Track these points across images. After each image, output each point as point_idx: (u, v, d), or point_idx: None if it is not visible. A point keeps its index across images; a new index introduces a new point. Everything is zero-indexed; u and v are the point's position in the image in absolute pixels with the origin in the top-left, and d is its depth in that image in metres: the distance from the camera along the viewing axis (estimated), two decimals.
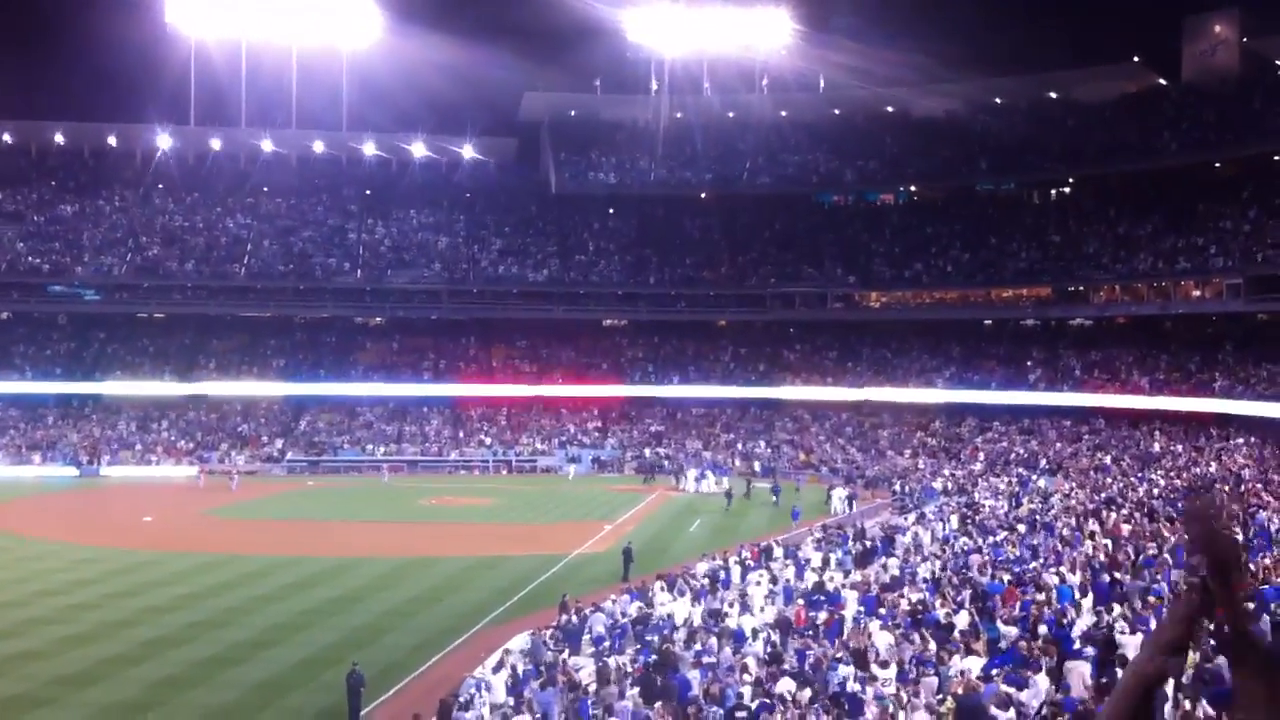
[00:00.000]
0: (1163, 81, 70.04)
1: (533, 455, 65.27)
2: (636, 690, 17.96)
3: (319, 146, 79.94)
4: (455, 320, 73.58)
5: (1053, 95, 72.98)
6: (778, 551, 31.39)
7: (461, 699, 18.48)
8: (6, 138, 77.19)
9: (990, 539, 29.63)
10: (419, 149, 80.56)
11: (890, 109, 78.70)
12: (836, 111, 79.39)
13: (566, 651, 21.31)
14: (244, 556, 36.08)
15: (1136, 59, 69.29)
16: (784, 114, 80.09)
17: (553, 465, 63.72)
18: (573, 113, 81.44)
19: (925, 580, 24.82)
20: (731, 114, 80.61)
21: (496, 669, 20.35)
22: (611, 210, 79.52)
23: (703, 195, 79.39)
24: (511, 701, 18.48)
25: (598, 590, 28.47)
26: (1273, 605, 17.31)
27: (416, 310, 73.38)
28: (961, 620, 20.09)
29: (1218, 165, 63.82)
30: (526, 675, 19.82)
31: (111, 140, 78.84)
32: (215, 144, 79.08)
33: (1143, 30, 70.77)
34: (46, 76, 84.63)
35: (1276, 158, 62.09)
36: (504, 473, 63.06)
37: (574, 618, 23.61)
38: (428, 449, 65.79)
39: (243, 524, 45.32)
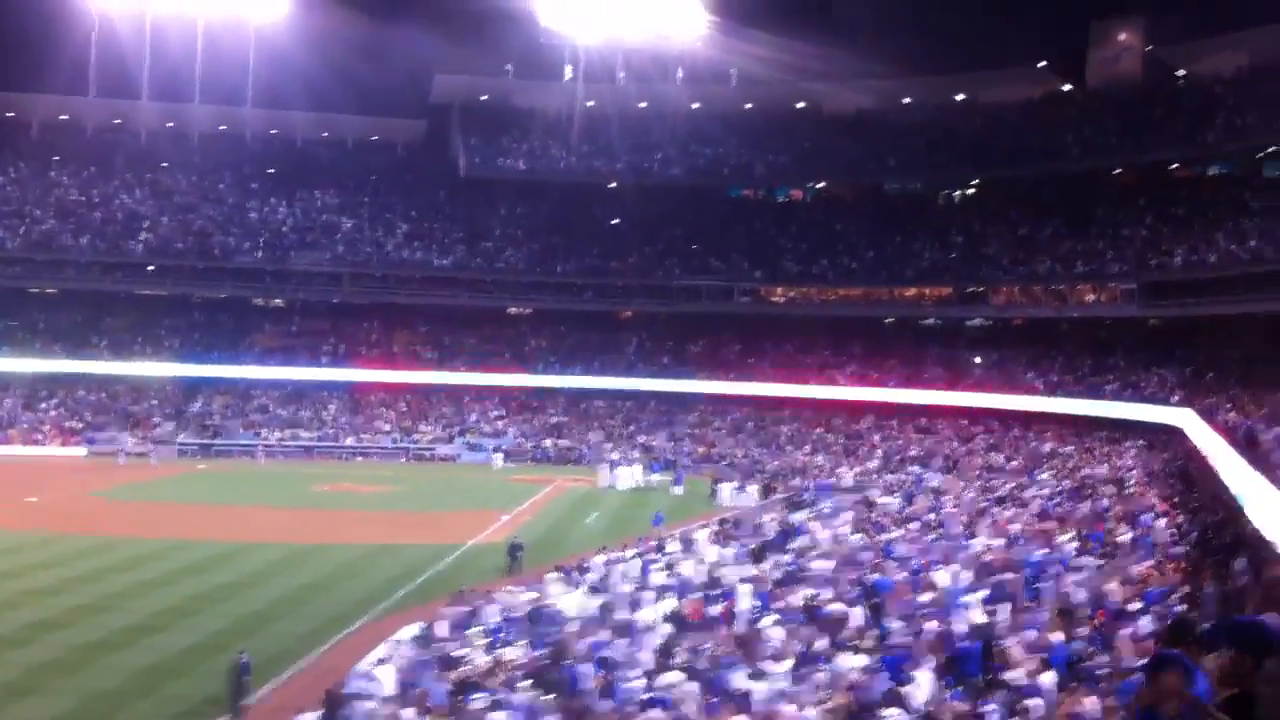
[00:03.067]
0: (1068, 87, 71.55)
1: (432, 443, 64.52)
2: (529, 683, 17.82)
3: (223, 123, 78.16)
4: (357, 304, 72.43)
5: (961, 97, 74.18)
6: (674, 545, 31.44)
7: (349, 690, 18.18)
8: None
9: (884, 536, 30.06)
10: (326, 128, 79.13)
11: (802, 105, 79.19)
12: (749, 105, 79.74)
13: (459, 643, 21.08)
14: (133, 539, 35.13)
15: (1044, 64, 70.70)
16: (697, 106, 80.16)
17: (451, 453, 63.14)
18: (484, 97, 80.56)
19: (819, 576, 25.06)
20: (644, 104, 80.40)
21: (386, 660, 20.08)
22: (521, 197, 78.56)
23: (613, 185, 79.17)
24: (400, 693, 18.21)
25: (493, 581, 28.26)
26: (1154, 607, 17.81)
27: (318, 293, 71.97)
28: (853, 617, 20.32)
29: (1118, 172, 65.44)
30: (417, 666, 19.56)
31: (9, 112, 76.23)
32: (116, 117, 76.92)
33: (1050, 36, 72.02)
34: None
35: (1173, 167, 64.08)
36: (403, 460, 62.24)
37: (468, 608, 23.39)
38: (325, 434, 64.78)
39: (132, 506, 44.21)
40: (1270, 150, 58.30)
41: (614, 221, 77.71)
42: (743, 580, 24.89)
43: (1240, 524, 20.69)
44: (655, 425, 66.73)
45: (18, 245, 68.21)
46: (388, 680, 18.73)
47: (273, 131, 79.44)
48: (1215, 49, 62.37)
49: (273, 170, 79.23)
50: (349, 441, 64.00)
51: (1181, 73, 64.93)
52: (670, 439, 64.66)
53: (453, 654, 20.02)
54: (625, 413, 68.66)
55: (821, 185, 79.54)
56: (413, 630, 22.77)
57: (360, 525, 40.72)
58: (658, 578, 26.34)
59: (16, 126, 76.70)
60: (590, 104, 79.92)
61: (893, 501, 38.54)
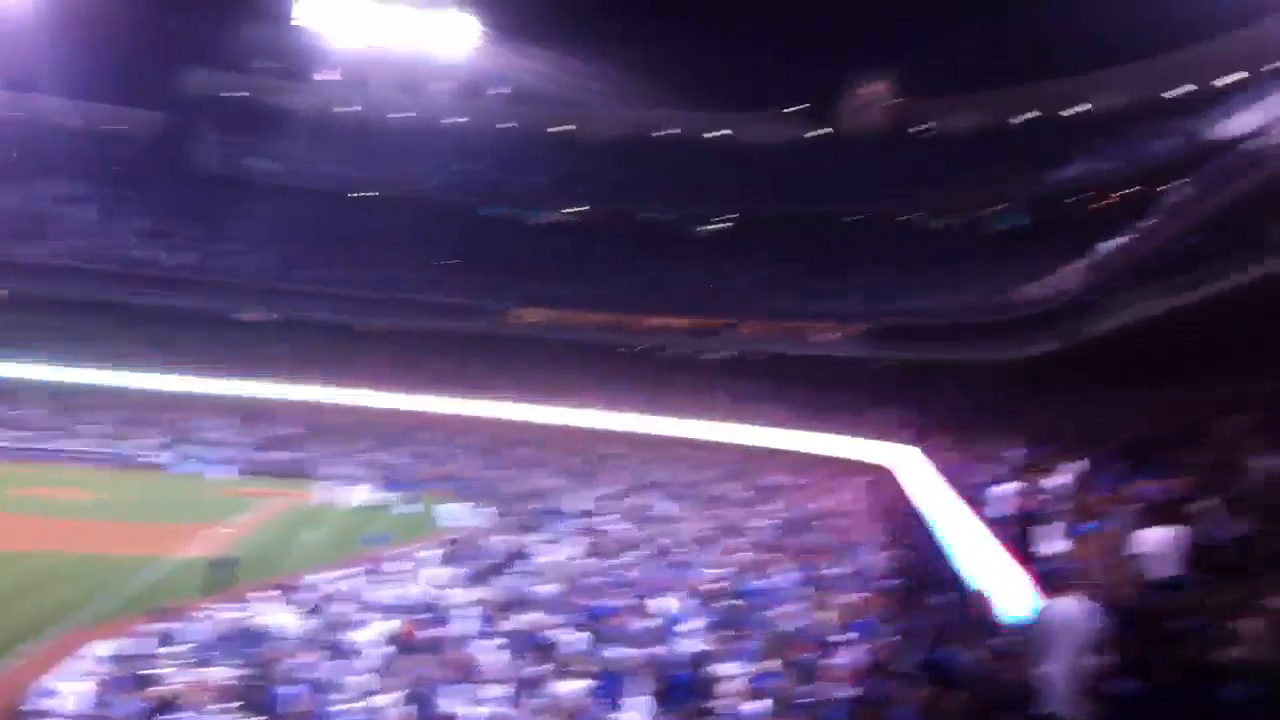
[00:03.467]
0: (824, 131, 74.96)
1: (145, 449, 60.73)
2: (234, 704, 16.87)
3: None
4: (83, 301, 67.84)
5: (726, 132, 76.46)
6: (397, 565, 30.67)
7: (29, 707, 16.79)
8: None
9: (610, 561, 30.20)
10: (60, 114, 74.29)
11: (566, 127, 79.77)
12: (511, 124, 79.66)
13: (157, 661, 19.77)
14: None
15: (804, 107, 73.93)
16: (460, 120, 79.49)
17: (167, 461, 59.72)
18: (235, 93, 77.55)
19: (543, 600, 24.91)
20: (405, 114, 79.26)
21: (78, 677, 18.62)
22: (267, 200, 75.52)
23: (364, 194, 77.47)
24: (90, 713, 16.91)
25: (199, 597, 26.69)
26: (862, 640, 18.44)
27: (38, 286, 67.07)
28: (575, 641, 20.22)
29: (860, 217, 68.97)
30: (110, 684, 18.22)
31: None
32: None
33: (809, 82, 75.38)
34: None
35: (902, 217, 68.21)
36: (112, 467, 58.28)
37: (169, 625, 22.01)
38: (26, 436, 60.01)
39: None
40: (1001, 206, 63.21)
41: (363, 232, 75.75)
42: (465, 603, 24.46)
43: (944, 562, 21.74)
44: (389, 442, 65.00)
45: None
46: (75, 699, 17.37)
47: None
48: (950, 107, 67.20)
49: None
50: (56, 445, 59.51)
51: (925, 126, 69.35)
52: (406, 457, 63.25)
53: (149, 673, 18.73)
54: (358, 428, 66.61)
55: (578, 209, 80.00)
56: (107, 647, 21.22)
57: (56, 533, 37.85)
58: (378, 597, 25.60)
59: None
60: (346, 109, 78.10)
61: (624, 527, 38.84)
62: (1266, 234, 26.95)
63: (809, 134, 75.99)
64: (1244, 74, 52.76)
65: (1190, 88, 57.86)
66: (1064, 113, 67.01)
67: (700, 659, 18.29)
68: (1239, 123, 40.55)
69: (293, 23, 73.82)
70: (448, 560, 31.55)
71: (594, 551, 32.48)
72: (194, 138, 77.69)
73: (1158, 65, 60.60)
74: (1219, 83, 55.59)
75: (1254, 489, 14.54)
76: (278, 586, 26.17)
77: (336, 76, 78.65)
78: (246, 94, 78.92)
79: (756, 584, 24.68)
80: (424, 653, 19.97)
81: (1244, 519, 13.39)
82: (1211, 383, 26.04)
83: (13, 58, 70.05)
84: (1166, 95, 59.79)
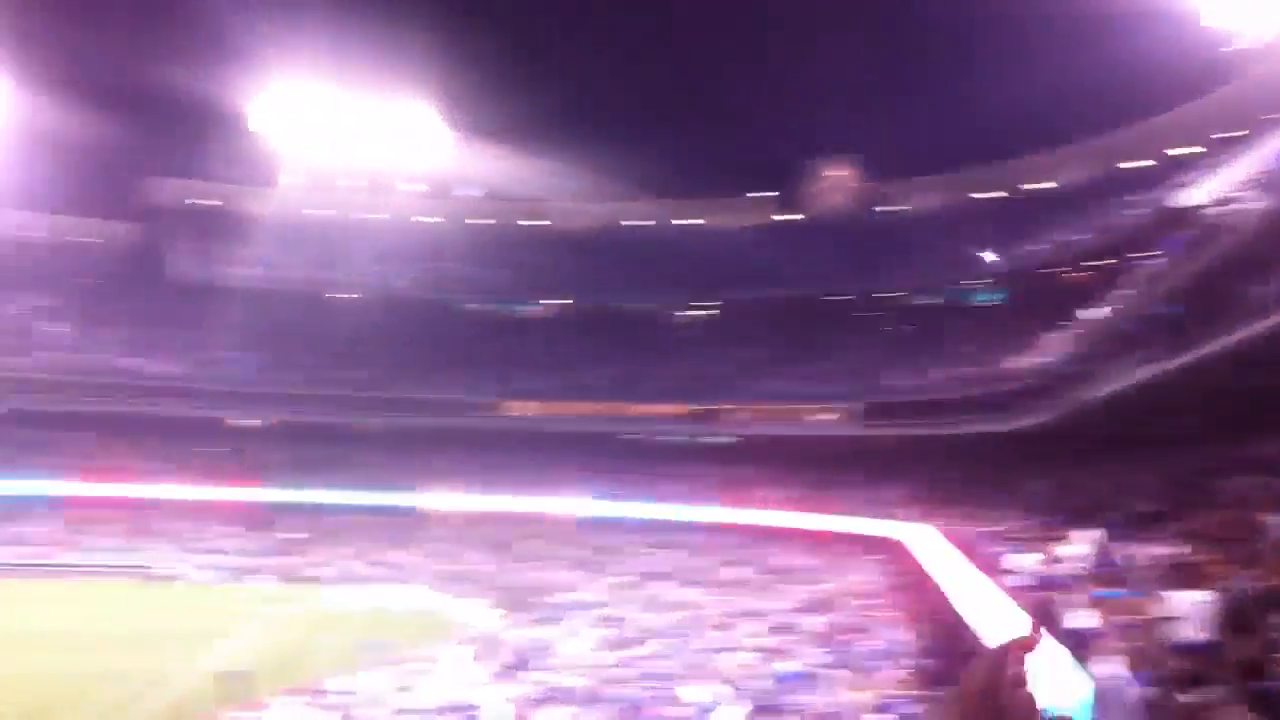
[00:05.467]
0: (795, 216, 76.84)
1: (153, 561, 60.38)
2: None
3: None
4: (70, 413, 67.84)
5: (697, 221, 78.15)
6: (418, 666, 30.89)
7: None
8: None
9: (634, 652, 30.57)
10: (31, 227, 75.02)
11: (541, 221, 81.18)
12: (490, 221, 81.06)
13: None
14: None
15: (775, 193, 75.91)
16: (435, 218, 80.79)
17: (176, 574, 59.22)
18: (204, 202, 78.73)
19: (571, 694, 25.25)
20: (377, 215, 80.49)
21: None
22: (242, 305, 74.72)
23: (341, 295, 78.40)
24: None
25: (218, 709, 26.60)
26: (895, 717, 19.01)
27: (28, 401, 67.21)
28: None
29: (843, 298, 70.55)
30: None
31: None
32: None
33: (778, 166, 77.46)
34: None
35: (880, 295, 69.90)
36: (128, 580, 56.80)
37: None
38: (36, 552, 58.99)
39: None
40: (977, 281, 65.00)
41: (345, 332, 76.20)
42: (496, 701, 24.80)
43: (967, 632, 22.35)
44: (395, 541, 64.56)
45: None
46: None
47: None
48: (919, 188, 69.35)
49: None
50: (63, 561, 58.47)
51: (895, 207, 71.48)
52: (413, 555, 62.93)
53: None
54: (362, 528, 66.45)
55: (559, 301, 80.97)
56: None
57: (64, 652, 37.55)
58: (406, 700, 25.86)
59: None
60: (316, 212, 79.25)
61: (641, 616, 39.13)
62: (1241, 297, 28.12)
63: (780, 218, 77.76)
64: (1199, 146, 54.62)
65: (1149, 161, 59.83)
66: (1028, 187, 69.04)
67: None
68: (1199, 192, 42.14)
69: (251, 130, 74.98)
70: (473, 657, 31.78)
71: (615, 642, 32.80)
72: (166, 247, 78.37)
73: (1117, 139, 62.69)
74: (1175, 153, 57.54)
75: (1273, 547, 15.32)
76: (301, 692, 26.26)
77: (303, 180, 79.78)
78: (216, 202, 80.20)
79: (785, 667, 25.16)
80: None
81: (1266, 576, 14.05)
82: (1206, 445, 27.04)
83: None
84: (1124, 167, 61.80)
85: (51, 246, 78.61)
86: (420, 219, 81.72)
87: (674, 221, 79.37)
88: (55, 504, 64.22)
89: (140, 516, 64.61)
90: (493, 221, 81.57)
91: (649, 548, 61.42)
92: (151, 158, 76.14)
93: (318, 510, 67.03)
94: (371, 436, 72.86)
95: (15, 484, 63.65)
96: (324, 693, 26.69)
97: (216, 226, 78.21)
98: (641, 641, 32.27)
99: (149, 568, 59.61)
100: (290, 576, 58.98)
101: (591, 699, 24.26)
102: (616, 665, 28.38)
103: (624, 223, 79.73)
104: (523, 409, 72.10)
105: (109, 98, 69.25)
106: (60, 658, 36.31)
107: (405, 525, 66.65)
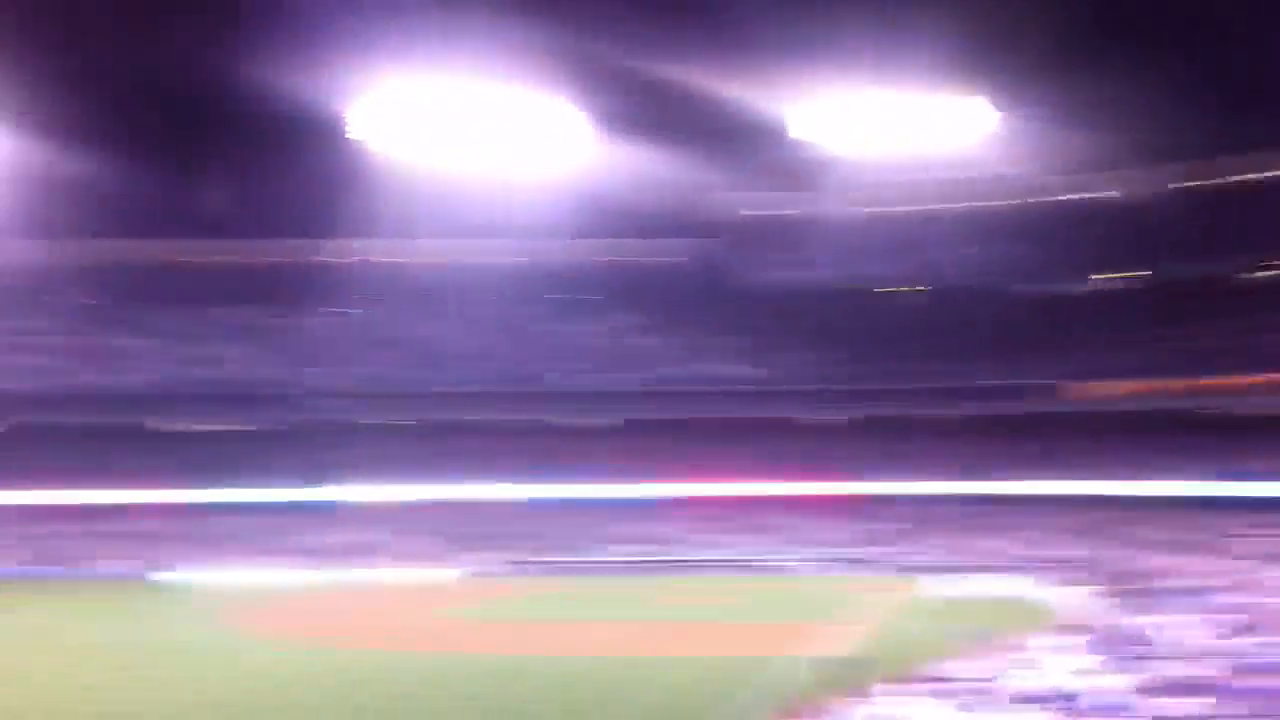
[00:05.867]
0: None
1: (767, 554, 64.35)
2: None
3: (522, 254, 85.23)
4: (663, 420, 74.13)
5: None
6: (1020, 654, 30.48)
7: None
8: None
9: (1260, 638, 28.45)
10: (613, 252, 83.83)
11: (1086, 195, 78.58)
12: (1026, 200, 79.62)
13: None
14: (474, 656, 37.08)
15: None
16: (961, 206, 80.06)
17: (791, 567, 62.49)
18: (760, 211, 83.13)
19: (1194, 684, 24.03)
20: (909, 208, 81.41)
21: None
22: (800, 307, 79.97)
23: (893, 290, 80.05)
24: None
25: (825, 695, 27.90)
26: None
27: (628, 411, 74.62)
28: None
29: None
30: None
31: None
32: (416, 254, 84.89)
33: None
34: None
35: None
36: (748, 574, 61.37)
37: None
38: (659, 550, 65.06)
39: (490, 625, 46.55)
40: None
41: (899, 325, 77.96)
42: (1120, 690, 24.26)
43: None
44: (985, 530, 64.26)
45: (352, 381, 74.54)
46: None
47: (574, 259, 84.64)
48: None
49: (567, 296, 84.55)
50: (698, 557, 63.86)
51: None
52: (1004, 543, 62.15)
53: None
54: (961, 518, 66.70)
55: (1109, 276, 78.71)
56: None
57: (701, 637, 41.46)
58: (1020, 688, 25.80)
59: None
60: (860, 209, 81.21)
61: (1264, 602, 36.15)
62: None
63: None
64: None
65: None
66: None
67: None
68: None
69: (792, 138, 77.91)
70: (1080, 646, 31.10)
71: (1237, 628, 30.75)
72: (730, 257, 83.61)
73: None
74: None
75: None
76: (906, 680, 26.81)
77: (843, 180, 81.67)
78: (770, 211, 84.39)
79: None
80: None
81: None
82: None
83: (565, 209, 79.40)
84: None
85: (631, 268, 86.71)
86: (951, 207, 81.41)
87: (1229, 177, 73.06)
88: (668, 504, 70.42)
89: (745, 513, 69.42)
90: (1029, 200, 79.49)
91: (1261, 528, 56.34)
92: (708, 176, 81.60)
93: (909, 502, 69.07)
94: (946, 426, 73.08)
95: (628, 488, 70.54)
96: (936, 680, 27.17)
97: (772, 234, 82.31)
98: (1268, 628, 30.03)
99: (765, 561, 63.72)
100: (890, 566, 60.87)
101: (1223, 689, 23.10)
102: (1242, 655, 26.71)
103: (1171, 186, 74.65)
104: (1098, 390, 69.24)
105: (675, 133, 75.87)
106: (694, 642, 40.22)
107: (993, 514, 66.52)
